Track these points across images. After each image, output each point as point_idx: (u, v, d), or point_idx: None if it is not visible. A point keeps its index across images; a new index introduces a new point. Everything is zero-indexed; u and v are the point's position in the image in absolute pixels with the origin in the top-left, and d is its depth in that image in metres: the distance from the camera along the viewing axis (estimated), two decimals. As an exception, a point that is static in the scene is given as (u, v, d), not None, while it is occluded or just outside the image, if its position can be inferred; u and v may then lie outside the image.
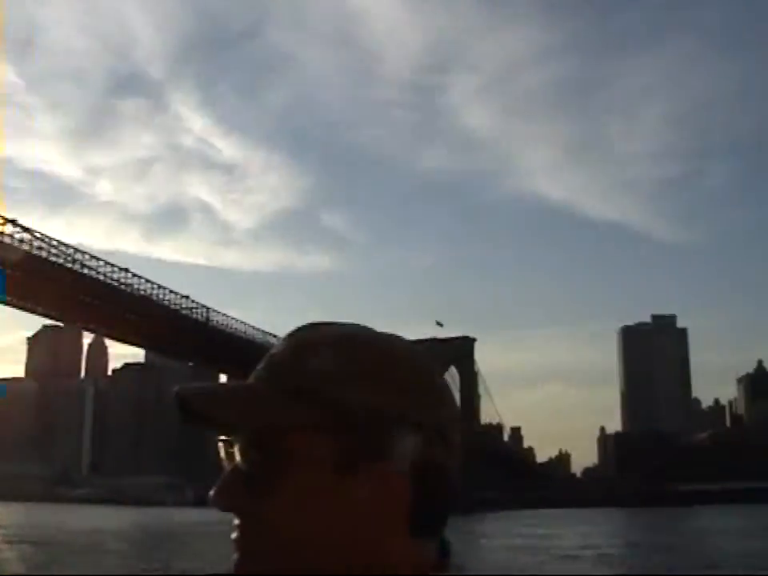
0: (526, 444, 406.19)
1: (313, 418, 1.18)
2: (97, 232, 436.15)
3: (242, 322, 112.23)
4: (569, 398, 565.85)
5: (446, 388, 1.28)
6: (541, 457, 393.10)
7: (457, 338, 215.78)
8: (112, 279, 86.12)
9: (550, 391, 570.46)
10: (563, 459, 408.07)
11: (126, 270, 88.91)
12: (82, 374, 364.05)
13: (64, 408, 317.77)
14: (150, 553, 50.93)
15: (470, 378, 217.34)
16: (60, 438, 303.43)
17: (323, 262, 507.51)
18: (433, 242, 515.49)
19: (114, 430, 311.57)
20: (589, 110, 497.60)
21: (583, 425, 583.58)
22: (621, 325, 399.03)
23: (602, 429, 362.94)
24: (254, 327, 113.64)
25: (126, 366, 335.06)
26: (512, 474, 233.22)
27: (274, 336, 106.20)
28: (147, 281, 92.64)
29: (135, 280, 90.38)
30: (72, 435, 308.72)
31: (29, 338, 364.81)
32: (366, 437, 1.19)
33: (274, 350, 1.16)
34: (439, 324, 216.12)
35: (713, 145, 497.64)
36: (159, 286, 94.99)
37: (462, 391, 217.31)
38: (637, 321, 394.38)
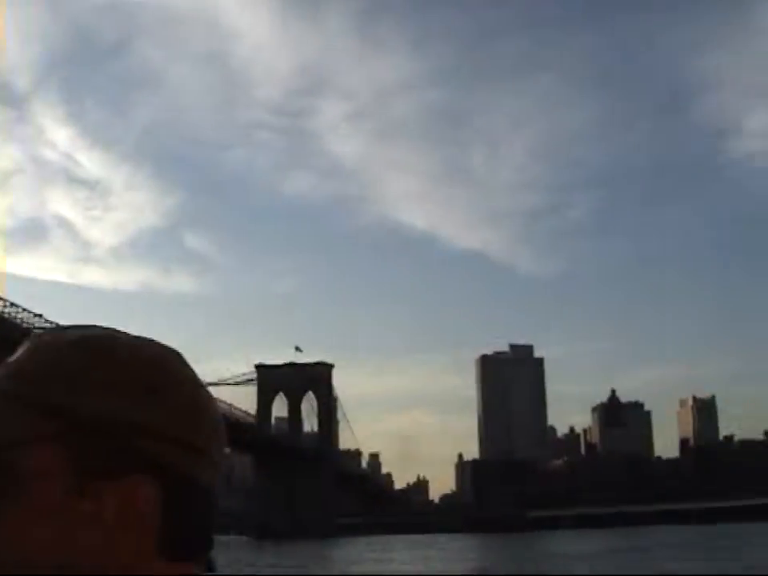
0: (384, 470, 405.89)
1: (41, 429, 1.04)
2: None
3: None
4: (429, 425, 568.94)
5: (203, 399, 1.14)
6: (399, 483, 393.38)
7: (315, 364, 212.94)
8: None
9: (411, 418, 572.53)
10: (421, 485, 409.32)
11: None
12: None
13: None
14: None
15: (327, 403, 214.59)
16: None
17: (187, 284, 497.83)
18: (296, 268, 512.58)
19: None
20: (455, 140, 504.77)
21: (442, 451, 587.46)
22: (480, 353, 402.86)
23: (460, 456, 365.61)
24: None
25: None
26: (370, 500, 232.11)
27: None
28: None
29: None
30: None
31: None
32: (104, 449, 1.04)
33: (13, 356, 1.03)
34: (298, 349, 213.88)
35: (575, 177, 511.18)
36: (12, 304, 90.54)
37: (319, 416, 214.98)
38: (495, 350, 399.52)
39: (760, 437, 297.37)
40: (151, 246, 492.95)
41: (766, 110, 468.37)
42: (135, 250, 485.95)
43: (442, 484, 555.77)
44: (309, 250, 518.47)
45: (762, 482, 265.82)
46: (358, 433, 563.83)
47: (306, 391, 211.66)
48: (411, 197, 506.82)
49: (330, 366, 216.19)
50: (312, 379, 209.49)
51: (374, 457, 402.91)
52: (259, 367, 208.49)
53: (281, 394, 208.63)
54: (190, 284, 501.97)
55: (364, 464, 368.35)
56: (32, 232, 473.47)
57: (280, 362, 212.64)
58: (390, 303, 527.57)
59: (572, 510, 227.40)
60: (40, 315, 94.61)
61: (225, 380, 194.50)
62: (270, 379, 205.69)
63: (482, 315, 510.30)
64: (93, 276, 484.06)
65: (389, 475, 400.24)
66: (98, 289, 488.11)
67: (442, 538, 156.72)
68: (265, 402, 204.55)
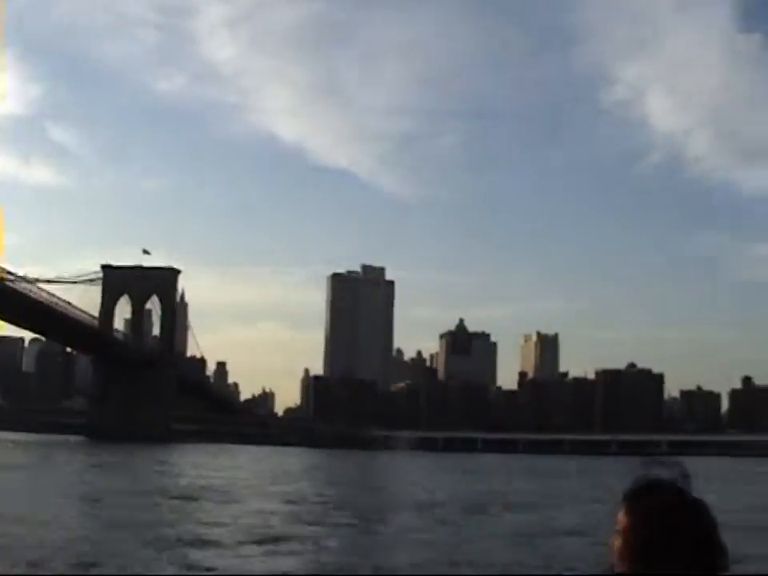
0: (231, 380, 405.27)
1: None
2: None
3: None
4: (279, 338, 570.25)
5: None
6: (246, 394, 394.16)
7: (162, 268, 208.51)
8: None
9: (261, 330, 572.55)
10: (267, 398, 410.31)
11: None
12: None
13: None
14: None
15: (171, 309, 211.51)
16: None
17: (47, 176, 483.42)
18: (161, 169, 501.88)
19: None
20: (335, 56, 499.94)
21: (290, 365, 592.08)
22: (331, 271, 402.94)
23: (307, 371, 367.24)
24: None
25: None
26: (213, 409, 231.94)
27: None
28: None
29: None
30: None
31: None
32: None
33: None
34: (146, 252, 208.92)
35: (450, 108, 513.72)
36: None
37: (162, 321, 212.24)
38: (349, 269, 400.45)
39: (591, 376, 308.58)
40: (14, 134, 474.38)
41: (637, 62, 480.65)
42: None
43: (288, 398, 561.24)
44: (176, 153, 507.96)
45: (587, 418, 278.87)
46: (207, 342, 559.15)
47: (150, 295, 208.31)
48: (285, 109, 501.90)
49: (177, 272, 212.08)
50: (157, 284, 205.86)
51: (221, 365, 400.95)
52: (105, 267, 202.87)
53: (126, 296, 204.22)
54: (51, 177, 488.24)
55: (210, 373, 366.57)
56: None
57: (128, 263, 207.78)
58: (253, 215, 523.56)
59: (411, 432, 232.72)
60: None
61: (67, 278, 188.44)
62: (115, 280, 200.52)
63: (341, 233, 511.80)
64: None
65: (235, 385, 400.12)
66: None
67: (282, 450, 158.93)
68: (108, 304, 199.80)
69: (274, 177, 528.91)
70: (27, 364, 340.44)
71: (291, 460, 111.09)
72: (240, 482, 59.05)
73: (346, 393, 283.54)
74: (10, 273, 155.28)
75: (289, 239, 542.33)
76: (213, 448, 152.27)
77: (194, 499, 44.86)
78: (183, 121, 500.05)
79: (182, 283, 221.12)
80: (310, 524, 33.91)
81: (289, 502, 42.57)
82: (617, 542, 2.07)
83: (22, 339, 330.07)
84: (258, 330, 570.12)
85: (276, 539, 28.11)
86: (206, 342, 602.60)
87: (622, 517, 2.08)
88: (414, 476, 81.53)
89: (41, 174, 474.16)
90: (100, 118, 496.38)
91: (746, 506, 43.53)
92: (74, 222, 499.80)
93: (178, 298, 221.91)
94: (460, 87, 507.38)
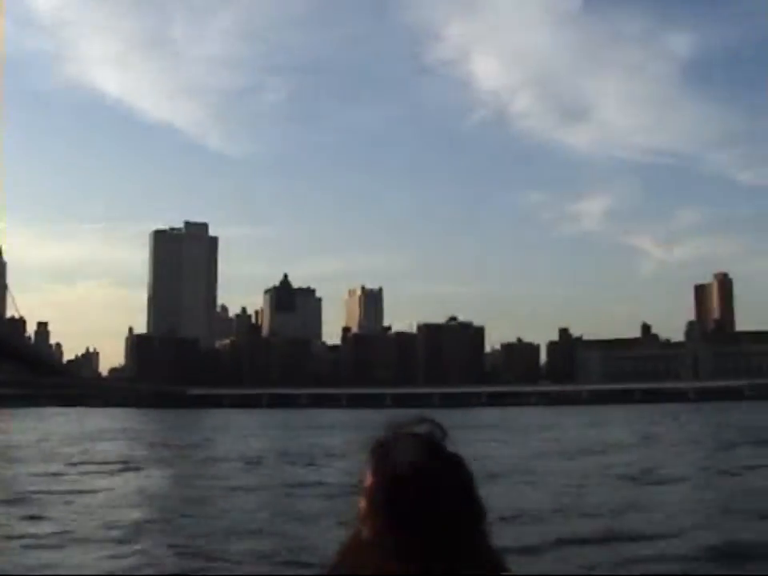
0: (53, 340, 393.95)
1: None
2: None
3: None
4: (103, 297, 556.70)
5: None
6: (68, 354, 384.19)
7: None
8: None
9: (85, 288, 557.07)
10: (92, 358, 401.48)
11: None
12: None
13: None
14: None
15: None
16: None
17: None
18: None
19: None
20: (161, 7, 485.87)
21: (116, 325, 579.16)
22: (154, 228, 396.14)
23: (131, 330, 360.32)
24: None
25: None
26: (32, 371, 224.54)
27: None
28: None
29: None
30: None
31: None
32: None
33: None
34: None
35: (278, 63, 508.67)
36: None
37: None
38: (171, 226, 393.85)
39: (413, 331, 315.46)
40: None
41: (462, 22, 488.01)
42: None
43: (113, 357, 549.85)
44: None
45: (410, 371, 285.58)
46: (29, 302, 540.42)
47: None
48: (109, 61, 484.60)
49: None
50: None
51: (42, 326, 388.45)
52: None
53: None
54: None
55: (31, 333, 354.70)
56: None
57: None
58: (76, 172, 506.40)
59: (234, 390, 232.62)
60: None
61: None
62: None
63: (164, 189, 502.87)
64: None
65: (58, 346, 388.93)
66: None
67: (103, 412, 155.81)
68: None
69: (97, 132, 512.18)
70: None
71: (105, 421, 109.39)
72: (31, 446, 57.73)
73: (169, 351, 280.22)
74: None
75: (113, 197, 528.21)
76: (29, 412, 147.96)
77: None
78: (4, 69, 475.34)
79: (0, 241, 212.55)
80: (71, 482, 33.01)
81: (70, 464, 42.05)
82: (362, 503, 1.82)
83: None
84: (81, 289, 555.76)
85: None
86: (28, 302, 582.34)
87: (366, 475, 1.80)
88: (234, 434, 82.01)
89: None
90: None
91: (526, 455, 46.10)
92: None
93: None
94: (286, 42, 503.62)
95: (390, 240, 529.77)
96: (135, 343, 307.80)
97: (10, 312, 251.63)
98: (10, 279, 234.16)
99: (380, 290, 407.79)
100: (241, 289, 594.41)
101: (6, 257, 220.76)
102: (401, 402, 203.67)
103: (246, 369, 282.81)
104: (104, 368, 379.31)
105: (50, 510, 24.67)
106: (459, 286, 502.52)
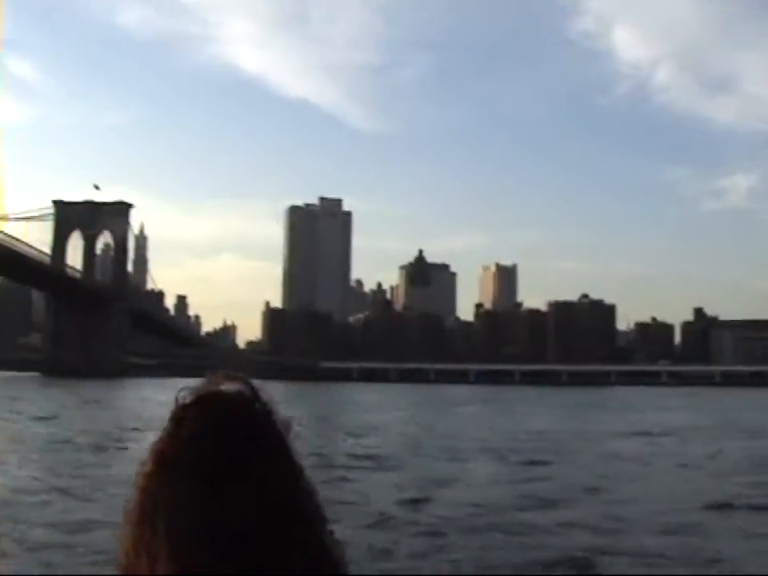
0: (191, 313, 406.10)
1: None
2: None
3: None
4: (239, 271, 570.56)
5: None
6: (207, 327, 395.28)
7: (113, 203, 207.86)
8: None
9: (222, 263, 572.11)
10: (229, 331, 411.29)
11: None
12: None
13: None
14: None
15: (123, 244, 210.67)
16: None
17: (10, 111, 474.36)
18: (124, 103, 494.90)
19: None
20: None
21: (251, 299, 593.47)
22: (289, 203, 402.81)
23: (267, 304, 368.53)
24: None
25: None
26: (171, 342, 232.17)
27: None
28: None
29: None
30: None
31: None
32: None
33: None
34: (96, 187, 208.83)
35: (414, 40, 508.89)
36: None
37: (115, 255, 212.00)
38: (307, 202, 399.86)
39: (544, 308, 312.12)
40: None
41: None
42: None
43: (250, 330, 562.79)
44: (140, 86, 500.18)
45: (541, 349, 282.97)
46: (170, 275, 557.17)
47: (101, 230, 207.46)
48: (250, 41, 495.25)
49: (129, 206, 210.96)
50: (110, 218, 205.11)
51: (182, 299, 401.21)
52: (57, 203, 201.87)
53: (78, 231, 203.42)
54: (14, 111, 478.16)
55: (171, 305, 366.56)
56: None
57: (79, 199, 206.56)
58: (215, 148, 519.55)
59: (364, 363, 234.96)
60: None
61: (18, 215, 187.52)
62: (66, 216, 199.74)
63: (302, 165, 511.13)
64: None
65: (196, 318, 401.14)
66: None
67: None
68: (60, 240, 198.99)
69: (236, 109, 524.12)
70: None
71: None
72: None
73: (303, 325, 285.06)
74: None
75: (250, 172, 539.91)
76: (169, 382, 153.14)
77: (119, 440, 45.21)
78: (145, 53, 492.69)
79: (142, 218, 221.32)
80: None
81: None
82: (148, 466, 1.41)
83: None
84: (218, 264, 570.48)
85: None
86: (168, 275, 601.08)
87: (158, 443, 1.41)
88: (359, 407, 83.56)
89: (2, 108, 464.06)
90: (60, 51, 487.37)
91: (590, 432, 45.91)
92: (30, 156, 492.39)
93: (134, 233, 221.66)
94: (425, 18, 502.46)
95: (524, 217, 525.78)
96: (270, 317, 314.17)
97: (149, 285, 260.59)
98: (152, 254, 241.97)
99: (514, 266, 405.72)
100: (374, 264, 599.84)
101: (146, 231, 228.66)
102: (529, 378, 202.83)
103: (378, 343, 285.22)
104: (241, 341, 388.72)
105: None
106: (593, 263, 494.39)
